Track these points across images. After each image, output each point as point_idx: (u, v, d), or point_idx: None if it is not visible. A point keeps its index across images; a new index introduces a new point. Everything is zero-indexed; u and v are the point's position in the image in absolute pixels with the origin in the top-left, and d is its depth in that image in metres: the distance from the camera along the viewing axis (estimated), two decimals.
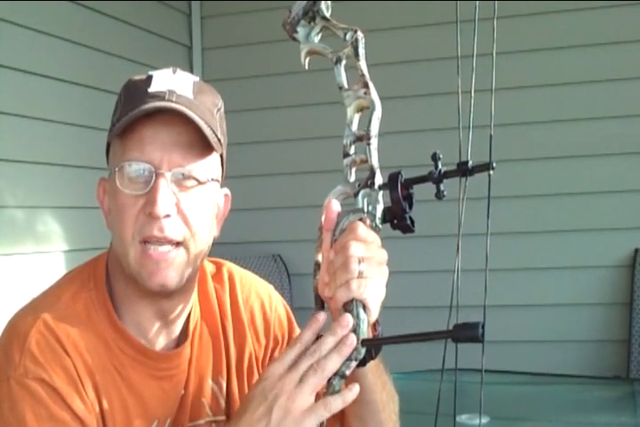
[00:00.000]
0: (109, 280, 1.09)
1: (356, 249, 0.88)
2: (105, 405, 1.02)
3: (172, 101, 1.01)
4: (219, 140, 1.05)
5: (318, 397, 0.88)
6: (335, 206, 0.92)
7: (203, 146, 1.03)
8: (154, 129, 1.01)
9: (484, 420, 2.01)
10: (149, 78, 1.05)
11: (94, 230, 2.00)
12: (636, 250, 3.16)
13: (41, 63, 2.73)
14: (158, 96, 1.02)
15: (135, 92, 1.04)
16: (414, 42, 3.42)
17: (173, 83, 1.05)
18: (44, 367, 0.98)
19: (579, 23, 3.25)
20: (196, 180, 1.03)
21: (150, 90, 1.03)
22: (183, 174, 1.02)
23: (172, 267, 1.02)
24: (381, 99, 0.92)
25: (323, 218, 0.93)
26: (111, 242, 1.09)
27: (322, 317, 0.90)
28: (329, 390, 0.87)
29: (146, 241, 1.01)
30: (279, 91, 3.58)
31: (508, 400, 2.35)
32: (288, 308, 1.26)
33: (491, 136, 1.07)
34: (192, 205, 1.03)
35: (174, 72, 1.07)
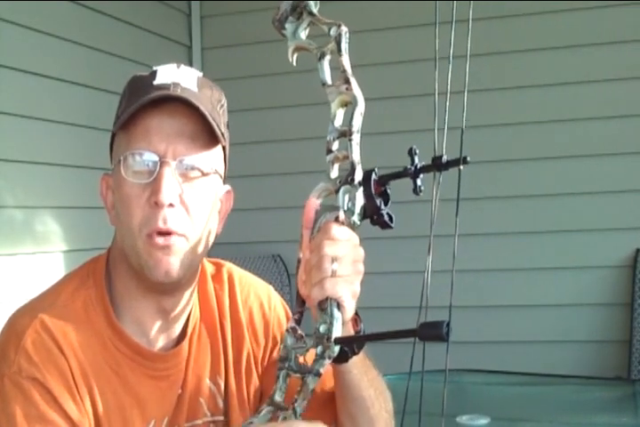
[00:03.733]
0: (110, 278, 1.10)
1: (329, 248, 0.88)
2: (100, 405, 1.02)
3: (177, 93, 1.02)
4: (222, 133, 1.06)
5: (292, 393, 0.87)
6: (313, 204, 0.93)
7: (207, 137, 1.04)
8: (159, 119, 1.01)
9: (484, 420, 2.02)
10: (154, 72, 1.06)
11: (94, 230, 2.00)
12: (637, 250, 3.15)
13: (41, 63, 2.73)
14: (163, 88, 1.03)
15: (140, 85, 1.05)
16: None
17: (178, 76, 1.05)
18: (37, 367, 0.98)
19: (577, 23, 3.24)
20: (200, 171, 1.03)
21: (155, 82, 1.04)
22: (187, 165, 1.02)
23: (175, 255, 1.02)
24: (364, 100, 0.92)
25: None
26: (114, 238, 1.10)
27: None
28: (303, 388, 0.87)
29: (152, 235, 1.01)
30: (279, 91, 3.58)
31: (508, 401, 2.35)
32: (287, 308, 1.26)
33: (462, 130, 1.07)
34: (195, 196, 1.03)
35: (178, 67, 1.08)
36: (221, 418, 1.15)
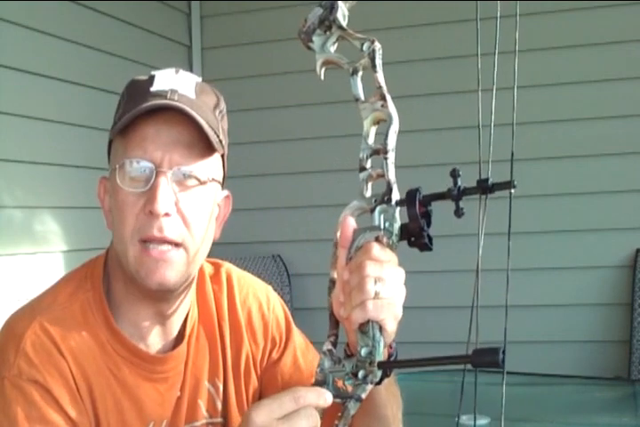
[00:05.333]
0: (108, 280, 1.09)
1: (371, 269, 0.84)
2: (99, 407, 1.02)
3: (173, 100, 1.02)
4: (220, 140, 1.05)
5: (332, 418, 0.85)
6: (351, 223, 0.89)
7: (204, 146, 1.03)
8: (155, 128, 1.01)
9: (484, 421, 2.01)
10: (152, 78, 1.05)
11: (93, 230, 2.00)
12: (638, 250, 3.15)
13: (41, 63, 2.73)
14: (160, 95, 1.02)
15: (137, 90, 1.04)
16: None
17: (176, 82, 1.05)
18: (38, 369, 0.98)
19: (578, 23, 3.24)
20: (197, 179, 1.03)
21: (153, 89, 1.03)
22: (184, 173, 1.02)
23: (170, 266, 1.02)
24: (399, 97, 0.90)
25: (338, 234, 0.90)
26: (111, 241, 1.09)
27: (330, 399, 0.84)
28: (344, 413, 0.84)
29: (145, 241, 1.00)
30: (279, 91, 3.58)
31: (508, 401, 2.33)
32: (286, 309, 1.26)
33: (512, 153, 1.06)
34: (192, 205, 1.03)
35: (177, 72, 1.07)
36: (219, 420, 1.15)
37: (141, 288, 1.04)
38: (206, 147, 1.03)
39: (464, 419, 1.95)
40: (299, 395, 0.82)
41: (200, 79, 1.09)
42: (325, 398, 0.83)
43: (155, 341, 1.10)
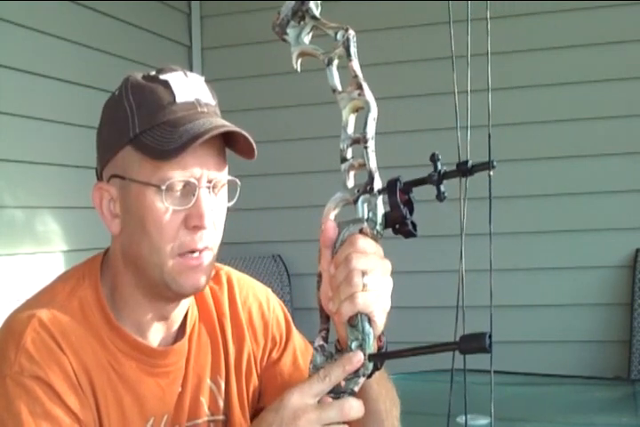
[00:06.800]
0: (108, 280, 1.10)
1: (358, 262, 0.85)
2: (100, 402, 1.03)
3: (204, 113, 1.02)
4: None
5: None
6: (331, 225, 0.89)
7: (224, 150, 1.05)
8: (192, 145, 1.00)
9: (485, 421, 2.01)
10: (167, 85, 1.03)
11: (93, 230, 1.99)
12: (637, 250, 3.15)
13: (41, 63, 2.73)
14: (190, 108, 1.02)
15: (159, 102, 1.02)
16: (410, 42, 3.41)
17: (194, 89, 1.04)
18: (39, 365, 0.99)
19: (578, 23, 3.24)
20: (223, 185, 1.06)
21: (179, 101, 1.02)
22: (218, 183, 1.04)
23: (205, 270, 1.04)
24: (379, 99, 0.89)
25: (323, 227, 0.90)
26: (114, 245, 1.10)
27: (357, 358, 0.86)
28: None
29: (185, 254, 1.02)
30: (279, 91, 3.58)
31: (508, 401, 2.34)
32: (286, 310, 1.27)
33: (489, 135, 1.06)
34: (220, 209, 1.05)
35: (186, 75, 1.05)
36: (221, 418, 1.15)
37: (164, 293, 1.05)
38: (224, 152, 1.05)
39: (464, 419, 1.94)
40: (324, 374, 0.85)
41: (203, 78, 1.08)
42: (352, 361, 0.85)
43: (155, 338, 1.11)
